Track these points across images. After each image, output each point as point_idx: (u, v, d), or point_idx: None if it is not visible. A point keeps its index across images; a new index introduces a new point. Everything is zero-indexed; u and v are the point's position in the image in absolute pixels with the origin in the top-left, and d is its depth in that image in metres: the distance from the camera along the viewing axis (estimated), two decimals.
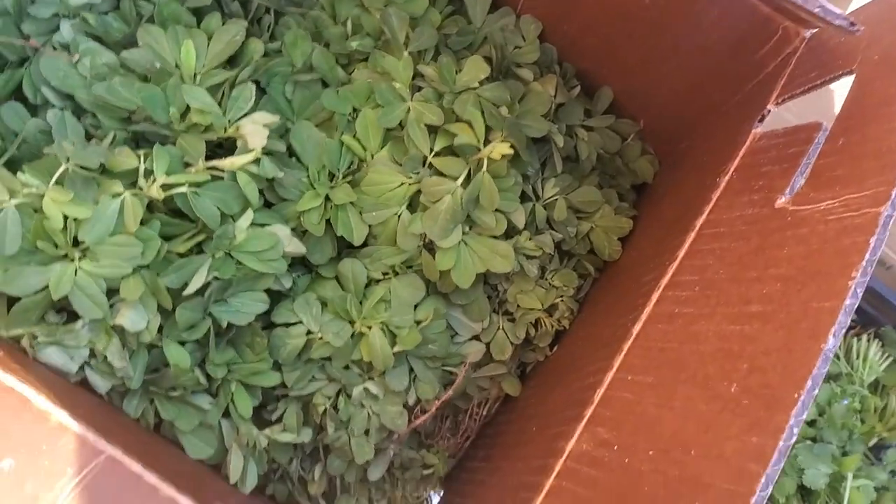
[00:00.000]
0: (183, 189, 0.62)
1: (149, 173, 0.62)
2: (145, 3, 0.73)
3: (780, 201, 0.48)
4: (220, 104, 0.67)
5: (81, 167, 0.60)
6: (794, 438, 0.34)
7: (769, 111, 0.56)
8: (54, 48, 0.71)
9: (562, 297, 0.76)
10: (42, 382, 0.47)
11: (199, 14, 0.72)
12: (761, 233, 0.47)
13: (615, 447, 0.45)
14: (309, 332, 0.69)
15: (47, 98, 0.70)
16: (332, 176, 0.70)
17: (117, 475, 0.43)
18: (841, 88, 0.50)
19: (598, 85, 0.81)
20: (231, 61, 0.71)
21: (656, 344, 0.49)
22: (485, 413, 0.84)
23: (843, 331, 0.36)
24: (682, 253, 0.54)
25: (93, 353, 0.60)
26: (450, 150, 0.69)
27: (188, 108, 0.66)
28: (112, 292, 0.59)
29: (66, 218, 0.57)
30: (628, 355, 0.51)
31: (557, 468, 0.49)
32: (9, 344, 0.57)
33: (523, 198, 0.73)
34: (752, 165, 0.53)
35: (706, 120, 0.72)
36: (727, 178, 0.55)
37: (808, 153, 0.47)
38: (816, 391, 0.35)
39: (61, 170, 0.59)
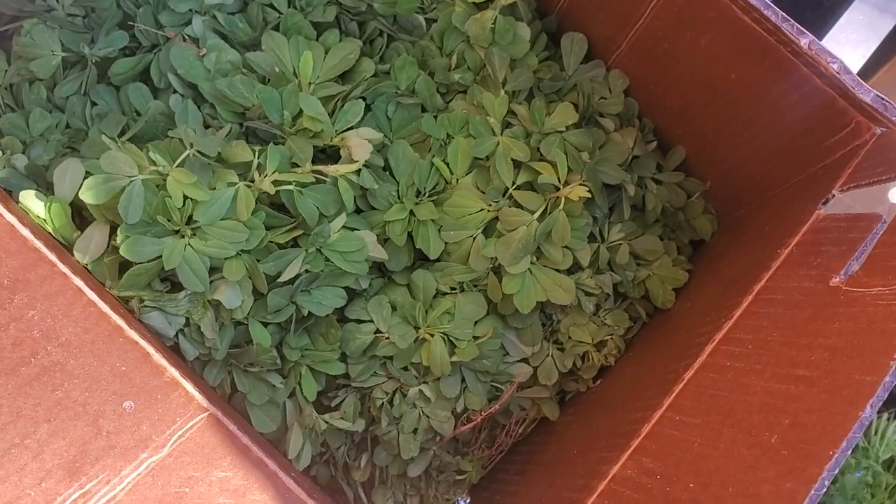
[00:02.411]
0: (290, 187, 0.68)
1: (261, 168, 0.68)
2: (271, 11, 0.80)
3: (835, 280, 0.53)
4: (330, 114, 0.73)
5: (201, 153, 0.66)
6: (825, 489, 0.39)
7: (833, 196, 0.61)
8: (184, 39, 0.78)
9: (612, 335, 0.81)
10: (150, 342, 0.53)
11: (319, 28, 0.79)
12: (815, 305, 0.52)
13: (658, 476, 0.50)
14: (377, 331, 0.75)
15: (171, 84, 0.77)
16: (418, 193, 0.76)
17: (218, 432, 0.49)
18: None
19: (673, 143, 0.86)
20: (343, 76, 0.77)
21: (707, 390, 0.54)
22: (520, 431, 0.88)
23: (881, 403, 0.41)
24: (738, 312, 0.59)
25: (187, 322, 0.66)
26: (530, 186, 0.75)
27: (300, 112, 0.72)
28: (213, 270, 0.66)
29: (185, 198, 0.64)
30: (678, 397, 0.56)
31: (601, 488, 0.54)
32: (118, 302, 0.63)
33: (590, 238, 0.79)
34: (813, 243, 0.58)
35: (769, 192, 0.77)
36: (788, 250, 0.60)
37: (866, 241, 0.52)
38: (849, 452, 0.40)
39: (185, 154, 0.65)
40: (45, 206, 0.65)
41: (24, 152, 0.74)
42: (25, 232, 0.50)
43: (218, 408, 0.51)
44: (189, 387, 0.50)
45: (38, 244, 0.50)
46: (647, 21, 0.75)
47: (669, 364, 0.62)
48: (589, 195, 0.72)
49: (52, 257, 0.50)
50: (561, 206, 0.72)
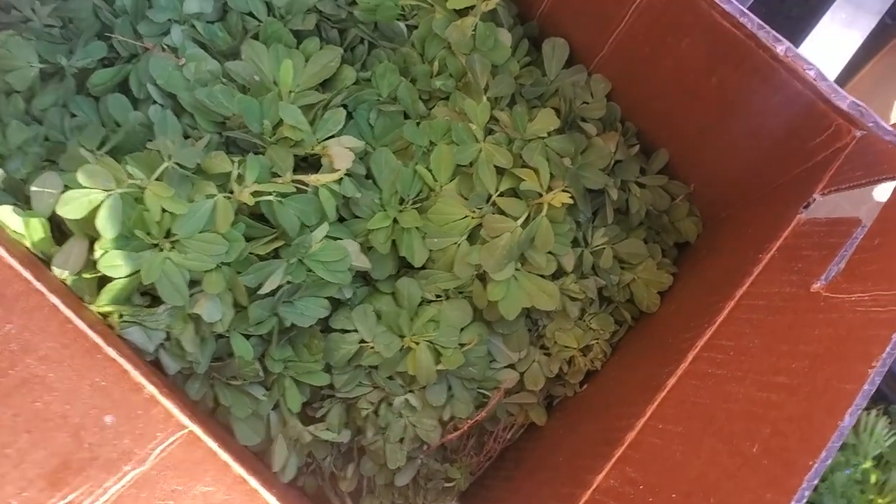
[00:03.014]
0: (270, 197, 0.67)
1: (240, 179, 0.68)
2: (250, 19, 0.79)
3: (816, 286, 0.52)
4: (311, 123, 0.72)
5: (180, 165, 0.66)
6: (805, 501, 0.39)
7: (814, 199, 0.61)
8: (163, 49, 0.77)
9: (597, 339, 0.81)
10: (128, 359, 0.52)
11: (299, 36, 0.79)
12: (795, 311, 0.52)
13: (641, 486, 0.50)
14: (362, 341, 0.74)
15: (151, 94, 0.76)
16: (401, 200, 0.75)
17: (197, 448, 0.49)
18: (884, 191, 0.55)
19: (656, 146, 0.86)
20: (324, 84, 0.77)
21: (689, 398, 0.54)
22: (508, 437, 0.88)
23: (859, 412, 0.41)
24: (720, 318, 0.59)
25: (168, 337, 0.66)
26: (513, 192, 0.75)
27: (280, 122, 0.72)
28: (193, 283, 0.65)
29: (163, 211, 0.63)
30: (661, 405, 0.56)
31: (585, 498, 0.54)
32: (97, 318, 0.62)
33: (573, 243, 0.78)
34: (794, 248, 0.58)
35: (752, 194, 0.77)
36: (769, 255, 0.59)
37: (846, 246, 0.52)
38: (829, 461, 0.40)
39: (163, 167, 0.65)
40: (23, 221, 0.65)
41: (1, 166, 0.73)
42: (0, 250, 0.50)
43: (198, 424, 0.51)
44: (167, 404, 0.49)
45: (13, 261, 0.50)
46: (628, 25, 0.75)
47: (653, 370, 0.62)
48: (571, 201, 0.72)
49: (27, 274, 0.50)
50: (544, 213, 0.72)
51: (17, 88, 0.76)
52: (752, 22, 0.61)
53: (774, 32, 0.62)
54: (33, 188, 0.66)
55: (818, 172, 0.64)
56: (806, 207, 0.61)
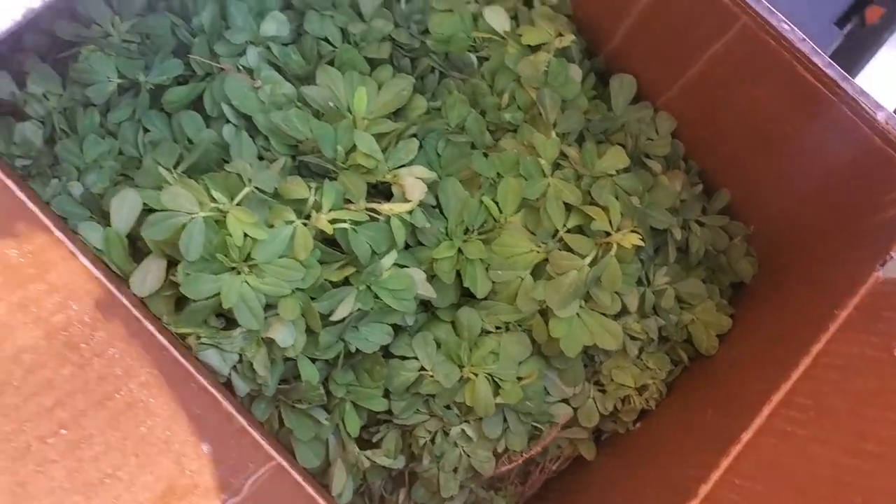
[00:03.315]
0: (345, 225, 0.68)
1: (316, 205, 0.68)
2: (325, 44, 0.80)
3: None
4: (382, 150, 0.73)
5: (258, 189, 0.67)
6: None
7: (892, 258, 0.61)
8: (239, 70, 0.78)
9: (654, 379, 0.81)
10: (216, 388, 0.53)
11: (372, 63, 0.79)
12: (880, 377, 0.52)
13: None
14: (422, 369, 0.75)
15: (224, 114, 0.77)
16: (466, 230, 0.76)
17: (285, 481, 0.50)
18: None
19: (716, 185, 0.86)
20: (396, 112, 0.77)
21: (768, 456, 0.54)
22: (554, 468, 0.89)
23: None
24: (796, 374, 0.59)
25: (240, 359, 0.67)
26: (580, 229, 0.75)
27: (353, 148, 0.72)
28: (267, 307, 0.66)
29: (245, 236, 0.64)
30: (737, 459, 0.56)
31: None
32: (177, 340, 0.63)
33: (636, 282, 0.79)
34: (873, 307, 0.58)
35: (816, 241, 0.77)
36: (847, 313, 0.60)
37: None
38: None
39: (245, 192, 0.66)
40: (103, 237, 0.66)
41: (78, 179, 0.74)
42: (98, 273, 0.51)
43: (281, 456, 0.52)
44: (256, 435, 0.50)
45: (111, 287, 0.51)
46: (702, 67, 0.75)
47: (723, 420, 0.62)
48: (642, 243, 0.72)
49: (125, 301, 0.51)
50: (613, 252, 0.72)
51: (94, 102, 0.77)
52: (837, 73, 0.62)
53: (858, 84, 0.63)
54: (113, 205, 0.67)
55: (893, 228, 0.64)
56: (882, 265, 0.61)
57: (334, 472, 0.72)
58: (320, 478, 0.75)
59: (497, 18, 0.81)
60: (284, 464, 0.50)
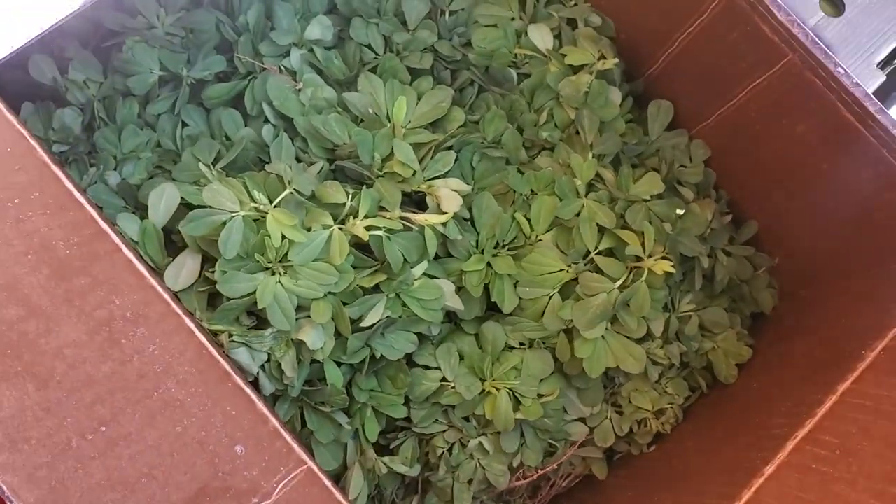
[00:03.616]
0: (380, 232, 0.68)
1: (353, 210, 0.69)
2: (368, 51, 0.81)
3: None
4: (419, 160, 0.74)
5: (297, 191, 0.67)
6: None
7: None
8: (281, 71, 0.79)
9: (671, 403, 0.82)
10: (248, 386, 0.54)
11: (413, 73, 0.80)
12: None
13: None
14: (443, 379, 0.75)
15: (264, 113, 0.78)
16: (497, 245, 0.76)
17: (314, 485, 0.50)
18: None
19: (745, 216, 0.87)
20: (434, 122, 0.78)
21: (792, 491, 0.55)
22: (563, 485, 0.89)
23: None
24: (821, 411, 0.59)
25: (269, 359, 0.67)
26: (610, 251, 0.75)
27: (390, 156, 0.73)
28: (298, 309, 0.66)
29: (282, 237, 0.65)
30: (760, 492, 0.57)
31: None
32: (209, 336, 0.64)
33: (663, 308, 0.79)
34: None
35: (843, 279, 0.77)
36: (874, 354, 0.60)
37: None
38: None
39: (284, 193, 0.66)
40: (140, 229, 0.66)
41: (115, 168, 0.75)
42: (142, 268, 0.51)
43: (314, 463, 0.52)
44: (289, 438, 0.51)
45: (153, 282, 0.51)
46: (742, 101, 0.76)
47: (744, 452, 0.63)
48: (674, 270, 0.72)
49: (167, 296, 0.51)
50: (643, 277, 0.73)
51: (135, 93, 0.77)
52: (883, 115, 0.62)
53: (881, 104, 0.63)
54: (151, 198, 0.67)
55: None
56: None
57: (351, 475, 0.73)
58: (335, 481, 0.75)
59: (541, 36, 0.82)
60: (315, 468, 0.51)
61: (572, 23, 0.83)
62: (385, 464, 0.75)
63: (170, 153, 0.77)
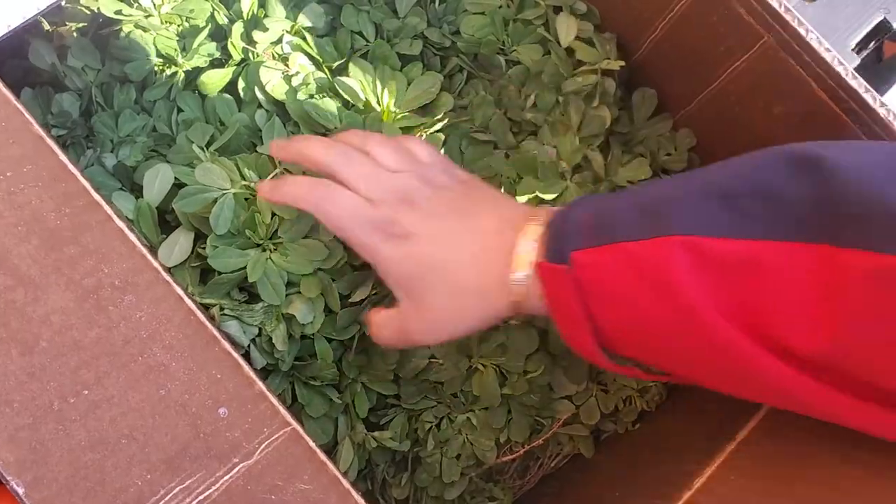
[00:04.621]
0: None
1: None
2: (359, 38, 0.83)
3: None
4: None
5: (287, 171, 0.69)
6: None
7: None
8: (273, 57, 0.81)
9: (656, 382, 0.84)
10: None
11: (404, 60, 0.82)
12: None
13: None
14: (432, 357, 0.77)
15: (257, 99, 0.80)
16: None
17: (299, 447, 0.52)
18: None
19: None
20: (423, 107, 0.80)
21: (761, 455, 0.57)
22: (552, 465, 0.91)
23: None
24: None
25: (260, 333, 0.69)
26: None
27: None
28: (289, 285, 0.68)
29: (272, 215, 0.67)
30: (732, 456, 0.59)
31: None
32: (200, 308, 0.66)
33: None
34: None
35: None
36: None
37: None
38: None
39: (275, 172, 0.68)
40: (135, 207, 0.68)
41: (112, 151, 0.77)
42: (132, 237, 0.53)
43: (298, 423, 0.54)
44: (274, 401, 0.52)
45: (144, 251, 0.53)
46: (721, 85, 0.77)
47: (727, 415, 0.64)
48: None
49: (156, 264, 0.53)
50: None
51: (132, 79, 0.79)
52: (859, 85, 0.64)
53: (867, 84, 0.64)
54: (146, 177, 0.69)
55: None
56: None
57: (341, 450, 0.74)
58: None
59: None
60: (300, 430, 0.52)
61: (557, 10, 0.85)
62: (375, 438, 0.77)
63: (165, 137, 0.79)
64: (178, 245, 0.67)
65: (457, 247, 0.59)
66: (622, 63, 0.82)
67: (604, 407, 0.83)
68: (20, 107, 0.53)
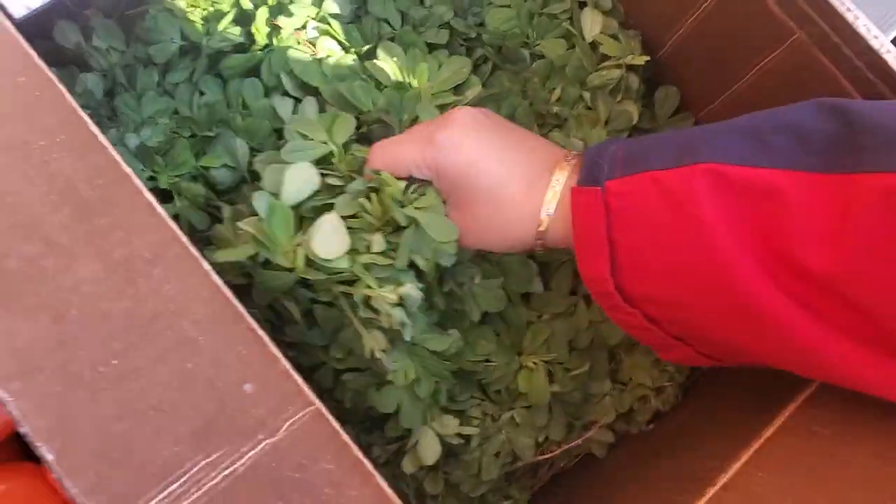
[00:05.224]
0: None
1: None
2: (385, 26, 0.82)
3: None
4: None
5: None
6: None
7: None
8: (298, 43, 0.80)
9: (672, 381, 0.83)
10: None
11: (430, 48, 0.82)
12: None
13: None
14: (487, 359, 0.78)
15: (282, 84, 0.79)
16: None
17: (322, 426, 0.51)
18: None
19: None
20: (455, 89, 0.79)
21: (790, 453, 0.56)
22: (562, 465, 0.90)
23: None
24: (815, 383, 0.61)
25: None
26: None
27: (414, 120, 0.74)
28: None
29: None
30: (759, 453, 0.58)
31: None
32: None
33: None
34: None
35: None
36: None
37: None
38: None
39: None
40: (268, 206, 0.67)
41: (134, 132, 0.76)
42: (161, 211, 0.53)
43: (320, 402, 0.53)
44: (298, 379, 0.52)
45: (171, 224, 0.52)
46: (748, 83, 0.77)
47: (747, 415, 0.64)
48: None
49: (184, 239, 0.52)
50: None
51: (156, 61, 0.79)
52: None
53: None
54: (287, 175, 0.67)
55: None
56: None
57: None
58: None
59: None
60: (323, 409, 0.52)
61: (583, 5, 0.85)
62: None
63: (186, 120, 0.79)
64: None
65: (506, 163, 0.60)
66: (647, 58, 0.81)
67: (619, 406, 0.82)
68: (54, 78, 0.53)
